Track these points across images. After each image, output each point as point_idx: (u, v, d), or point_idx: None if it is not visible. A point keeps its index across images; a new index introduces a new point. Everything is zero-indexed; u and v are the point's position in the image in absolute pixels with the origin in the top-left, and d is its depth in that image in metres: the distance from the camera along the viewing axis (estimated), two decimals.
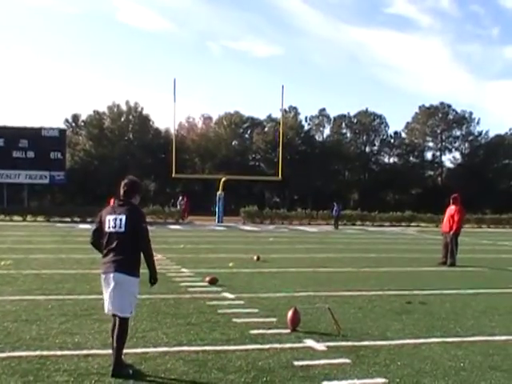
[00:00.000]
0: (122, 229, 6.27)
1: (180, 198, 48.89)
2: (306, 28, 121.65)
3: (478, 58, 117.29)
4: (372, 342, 7.80)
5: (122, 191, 6.51)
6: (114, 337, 6.25)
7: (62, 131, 51.17)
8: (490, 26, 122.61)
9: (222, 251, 20.44)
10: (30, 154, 47.39)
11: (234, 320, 8.81)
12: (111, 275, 6.25)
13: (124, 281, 6.24)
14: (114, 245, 6.31)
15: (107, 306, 6.35)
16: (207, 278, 12.63)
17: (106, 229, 6.37)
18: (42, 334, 7.79)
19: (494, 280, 14.73)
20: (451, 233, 18.21)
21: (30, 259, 16.70)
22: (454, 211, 18.46)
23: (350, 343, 7.71)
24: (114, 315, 6.34)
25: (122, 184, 6.54)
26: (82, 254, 18.28)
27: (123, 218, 6.29)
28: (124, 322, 6.27)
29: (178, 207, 48.16)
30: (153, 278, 6.59)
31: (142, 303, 10.06)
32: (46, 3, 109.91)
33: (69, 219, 42.69)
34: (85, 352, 6.91)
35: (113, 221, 6.32)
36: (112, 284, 6.24)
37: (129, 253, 6.30)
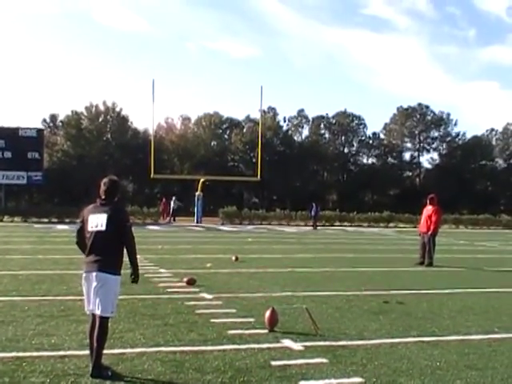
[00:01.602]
0: (104, 227, 6.26)
1: (173, 199, 48.56)
2: (283, 29, 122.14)
3: (455, 59, 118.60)
4: (349, 342, 7.83)
5: (102, 191, 6.47)
6: (94, 337, 6.20)
7: (39, 131, 50.78)
8: (466, 27, 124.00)
9: (200, 252, 20.41)
10: (7, 154, 46.99)
11: (212, 320, 8.81)
12: (94, 274, 6.23)
13: (107, 280, 6.24)
14: (96, 244, 6.29)
15: (87, 306, 6.33)
16: (185, 279, 12.61)
17: (89, 228, 6.34)
18: (18, 335, 7.73)
19: (471, 280, 14.86)
20: (429, 233, 18.34)
21: (7, 260, 16.57)
22: (432, 211, 18.58)
23: (327, 343, 7.74)
24: (93, 315, 6.30)
25: (103, 183, 6.50)
26: (60, 254, 18.19)
27: (105, 216, 6.27)
28: (105, 321, 6.24)
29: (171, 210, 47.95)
30: (135, 276, 6.65)
31: (119, 304, 9.99)
32: (21, 2, 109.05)
33: (46, 220, 42.42)
34: (61, 353, 6.87)
35: (95, 220, 6.30)
36: (94, 283, 6.23)
37: (111, 252, 6.33)
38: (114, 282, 6.36)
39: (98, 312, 6.22)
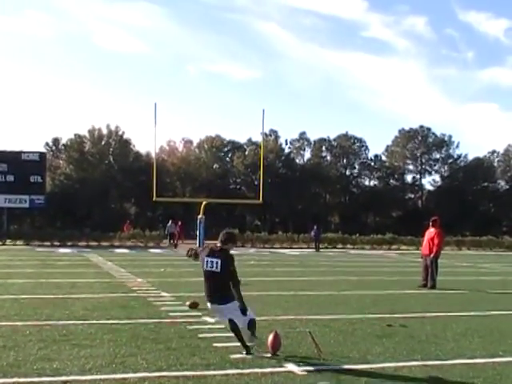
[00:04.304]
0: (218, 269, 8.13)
1: (169, 222, 48.65)
2: (283, 52, 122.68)
3: (454, 81, 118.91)
4: (353, 366, 7.78)
5: (219, 240, 8.29)
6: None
7: (42, 155, 50.87)
8: (465, 49, 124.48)
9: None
10: (10, 178, 47.01)
11: (215, 344, 8.76)
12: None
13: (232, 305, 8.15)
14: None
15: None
16: (188, 302, 12.56)
17: (205, 267, 8.26)
18: (20, 360, 7.69)
19: (474, 302, 14.78)
20: (431, 256, 18.28)
21: (9, 284, 16.53)
22: (434, 234, 18.54)
23: (330, 367, 7.69)
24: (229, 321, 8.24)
25: (222, 234, 8.37)
26: (62, 278, 18.16)
27: (216, 261, 8.15)
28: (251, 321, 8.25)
29: (167, 232, 48.05)
30: (243, 308, 8.14)
31: (121, 328, 9.99)
32: (22, 27, 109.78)
33: (48, 243, 42.41)
34: (63, 378, 6.83)
35: (209, 262, 8.20)
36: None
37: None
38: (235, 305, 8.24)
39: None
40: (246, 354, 8.11)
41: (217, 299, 8.19)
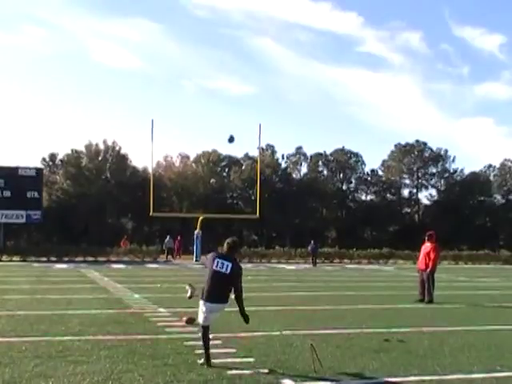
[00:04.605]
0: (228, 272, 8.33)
1: (167, 237, 48.76)
2: (279, 67, 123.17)
3: (450, 96, 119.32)
4: (350, 381, 7.76)
5: (226, 248, 8.54)
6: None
7: (38, 170, 50.89)
8: (460, 64, 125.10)
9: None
10: (7, 194, 46.96)
11: (212, 360, 8.72)
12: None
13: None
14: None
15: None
16: (184, 318, 12.52)
17: (214, 267, 8.36)
18: (15, 377, 7.65)
19: (472, 317, 14.76)
20: (427, 270, 18.28)
21: (5, 300, 16.46)
22: (430, 249, 18.54)
23: (328, 382, 7.66)
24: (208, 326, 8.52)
25: (227, 242, 8.59)
26: (58, 294, 18.11)
27: (227, 264, 8.35)
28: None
29: (164, 247, 48.17)
30: (244, 316, 8.58)
31: (117, 344, 9.95)
32: (20, 43, 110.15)
33: (45, 259, 42.32)
34: None
35: (220, 263, 8.35)
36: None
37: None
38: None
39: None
40: (206, 365, 8.41)
41: (217, 298, 8.38)
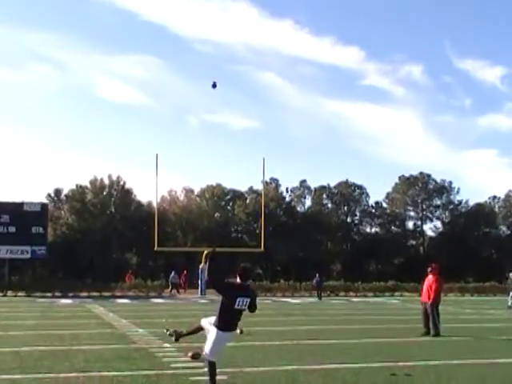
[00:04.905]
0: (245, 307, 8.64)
1: (172, 273, 48.79)
2: (282, 101, 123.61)
3: (452, 128, 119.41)
4: None
5: (242, 274, 8.74)
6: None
7: (43, 206, 51.12)
8: (462, 96, 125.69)
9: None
10: (12, 229, 47.09)
11: None
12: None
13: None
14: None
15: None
16: (190, 353, 12.42)
17: (236, 306, 8.52)
18: None
19: (479, 350, 14.63)
20: (430, 303, 18.20)
21: (9, 336, 16.40)
22: (432, 281, 18.46)
23: None
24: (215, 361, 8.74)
25: (242, 269, 8.85)
26: (63, 329, 18.04)
27: (247, 300, 8.57)
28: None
29: (169, 282, 48.23)
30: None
31: (123, 380, 9.91)
32: (25, 80, 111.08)
33: (50, 294, 42.24)
34: None
35: (241, 301, 8.52)
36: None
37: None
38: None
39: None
40: None
41: (235, 327, 8.84)
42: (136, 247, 72.57)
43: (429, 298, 18.32)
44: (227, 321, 8.59)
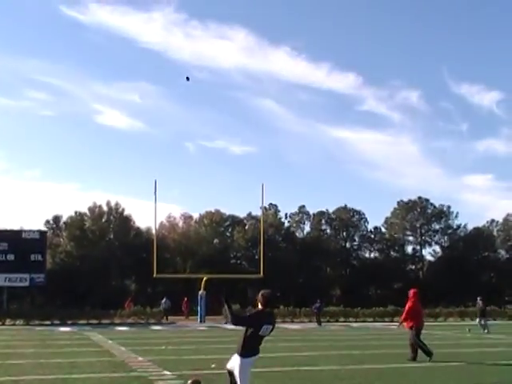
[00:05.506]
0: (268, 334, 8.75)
1: (164, 299, 48.95)
2: (280, 127, 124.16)
3: (450, 152, 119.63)
4: None
5: (265, 301, 8.86)
6: None
7: (42, 233, 51.14)
8: (459, 121, 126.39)
9: (204, 352, 20.17)
10: (10, 257, 47.02)
11: None
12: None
13: None
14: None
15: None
16: (190, 381, 12.41)
17: (260, 333, 8.59)
18: None
19: (480, 375, 14.60)
20: (404, 325, 18.09)
21: (8, 365, 16.33)
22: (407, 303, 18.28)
23: None
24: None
25: (265, 296, 8.94)
26: (62, 358, 17.99)
27: (270, 327, 8.74)
28: None
29: (161, 308, 48.24)
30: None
31: None
32: (22, 106, 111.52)
33: (49, 322, 42.07)
34: None
35: (266, 329, 8.65)
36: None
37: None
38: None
39: None
40: None
41: (258, 351, 8.79)
42: (135, 274, 72.35)
43: (407, 324, 18.11)
44: (252, 347, 8.63)
